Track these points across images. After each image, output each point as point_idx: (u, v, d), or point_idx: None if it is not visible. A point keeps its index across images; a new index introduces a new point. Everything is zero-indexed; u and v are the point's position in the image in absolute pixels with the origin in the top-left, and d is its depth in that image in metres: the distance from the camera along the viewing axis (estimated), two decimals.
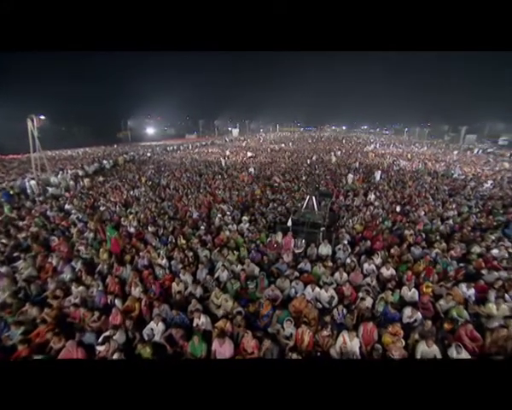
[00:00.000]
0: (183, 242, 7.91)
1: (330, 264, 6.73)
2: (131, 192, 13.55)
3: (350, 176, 16.25)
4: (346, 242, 7.72)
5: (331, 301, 5.59)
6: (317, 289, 5.76)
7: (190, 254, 7.26)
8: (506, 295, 5.52)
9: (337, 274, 6.28)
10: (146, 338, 4.80)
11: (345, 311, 5.20)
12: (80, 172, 18.50)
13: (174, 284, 6.05)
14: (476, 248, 7.51)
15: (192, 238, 8.08)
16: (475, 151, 36.92)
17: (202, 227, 8.80)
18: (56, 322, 5.06)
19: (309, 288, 5.75)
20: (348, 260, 6.91)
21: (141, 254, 7.22)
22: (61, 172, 17.59)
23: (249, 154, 28.40)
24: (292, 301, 5.48)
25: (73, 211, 10.55)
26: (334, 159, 24.54)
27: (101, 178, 17.10)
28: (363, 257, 7.02)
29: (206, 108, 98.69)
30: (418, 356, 4.39)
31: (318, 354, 4.61)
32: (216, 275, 6.42)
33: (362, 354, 4.51)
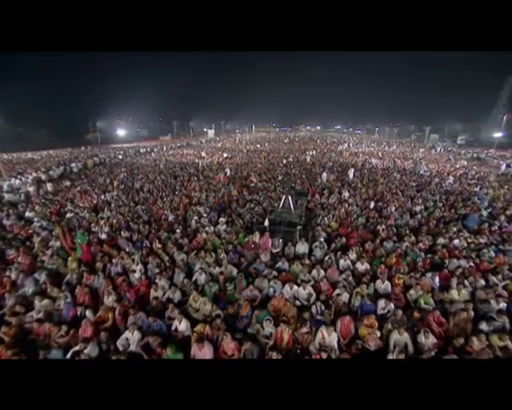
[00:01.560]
0: (159, 246, 7.66)
1: (307, 262, 6.86)
2: (102, 196, 12.87)
3: (324, 175, 16.68)
4: (322, 239, 7.91)
5: (309, 298, 5.69)
6: (295, 287, 5.84)
7: (166, 258, 7.06)
8: (466, 282, 5.98)
9: (314, 271, 6.41)
10: (121, 349, 4.57)
11: (323, 307, 5.31)
12: (43, 177, 17.20)
13: (151, 290, 5.84)
14: (441, 240, 8.04)
15: (168, 242, 7.86)
16: (438, 150, 39.70)
17: (178, 230, 8.59)
18: (16, 341, 4.65)
19: (287, 286, 5.82)
20: (326, 258, 7.07)
21: (114, 260, 6.88)
22: (19, 176, 16.26)
23: (225, 155, 28.18)
24: (271, 301, 5.51)
25: (36, 219, 9.77)
26: (309, 158, 25.10)
27: (67, 183, 16.02)
28: (338, 253, 7.22)
29: (181, 108, 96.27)
30: (391, 345, 4.61)
31: (298, 351, 4.67)
32: (194, 278, 6.29)
33: (340, 348, 4.64)
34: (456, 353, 4.35)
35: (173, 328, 4.97)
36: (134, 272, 6.45)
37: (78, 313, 5.26)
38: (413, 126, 75.18)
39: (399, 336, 4.63)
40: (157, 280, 6.11)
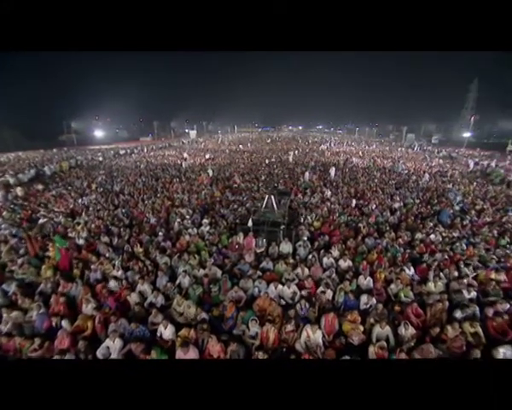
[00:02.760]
0: (141, 250, 7.44)
1: (292, 261, 6.92)
2: (80, 200, 12.32)
3: (307, 174, 16.93)
4: (305, 238, 7.99)
5: (294, 296, 5.74)
6: (280, 286, 5.87)
7: (148, 262, 6.86)
8: (441, 274, 6.28)
9: (299, 270, 6.48)
10: (101, 358, 4.39)
11: (307, 305, 5.38)
12: (11, 180, 16.18)
13: (132, 296, 5.65)
14: (419, 235, 8.41)
15: (150, 245, 7.65)
16: (415, 149, 41.53)
17: (161, 233, 8.39)
18: None
19: (272, 286, 5.83)
20: (309, 256, 7.16)
21: (93, 267, 6.61)
22: None
23: (207, 156, 27.87)
24: (256, 301, 5.50)
25: (3, 226, 9.17)
26: (291, 158, 25.33)
27: (40, 187, 15.15)
28: (322, 251, 7.35)
29: (161, 109, 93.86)
30: (374, 338, 4.75)
31: (284, 349, 4.70)
32: (177, 282, 6.16)
33: (325, 344, 4.71)
34: (433, 341, 4.55)
35: (158, 334, 4.84)
36: (114, 277, 6.22)
37: (53, 323, 4.97)
38: (391, 126, 78.05)
39: (381, 330, 4.78)
40: (139, 285, 5.93)
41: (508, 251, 7.48)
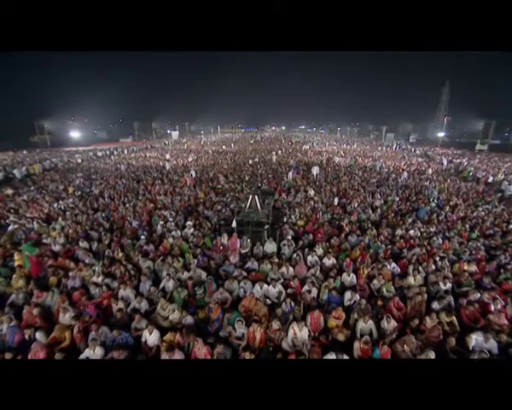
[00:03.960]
0: (122, 254, 7.19)
1: (276, 260, 6.94)
2: (55, 205, 11.72)
3: (290, 174, 17.10)
4: (289, 237, 8.05)
5: (279, 296, 5.76)
6: (265, 286, 5.88)
7: (130, 266, 6.65)
8: (420, 268, 6.55)
9: (283, 269, 6.52)
10: None
11: (292, 303, 5.42)
12: None
13: (113, 302, 5.45)
14: (399, 231, 8.73)
15: (132, 249, 7.42)
16: (394, 148, 43.14)
17: (143, 237, 8.16)
18: None
19: (257, 286, 5.84)
20: (294, 255, 7.22)
21: (71, 274, 6.30)
22: None
23: (190, 158, 27.44)
24: (241, 302, 5.49)
25: None
26: (275, 158, 25.48)
27: (9, 191, 14.21)
28: (306, 250, 7.44)
29: (142, 109, 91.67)
30: (358, 332, 4.88)
31: (271, 349, 4.71)
32: (161, 286, 6.02)
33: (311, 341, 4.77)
34: (413, 332, 4.74)
35: (143, 340, 4.71)
36: (95, 284, 5.97)
37: (27, 336, 4.68)
38: (371, 126, 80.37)
39: (365, 324, 4.91)
40: (121, 290, 5.74)
41: (478, 243, 7.93)
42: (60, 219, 9.85)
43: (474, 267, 6.67)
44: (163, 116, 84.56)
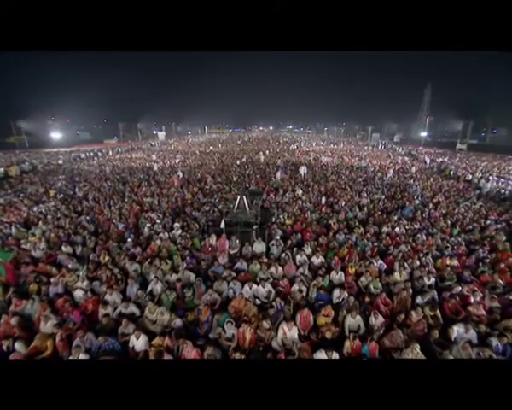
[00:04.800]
0: (108, 258, 7.00)
1: (265, 260, 6.94)
2: (35, 208, 11.24)
3: (278, 174, 17.18)
4: (278, 237, 8.07)
5: (269, 295, 5.78)
6: (255, 286, 5.88)
7: (117, 270, 6.48)
8: (405, 264, 6.74)
9: (273, 269, 6.53)
10: None
11: (282, 303, 5.44)
12: None
13: (102, 307, 5.29)
14: (385, 229, 8.93)
15: (117, 252, 7.23)
16: (379, 147, 44.19)
17: (130, 239, 7.97)
18: None
19: (246, 286, 5.82)
20: (283, 255, 7.25)
21: (53, 280, 6.06)
22: None
23: (177, 160, 27.07)
24: (231, 303, 5.46)
25: None
26: (262, 158, 25.50)
27: None
28: (295, 249, 7.48)
29: (127, 110, 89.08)
30: (347, 328, 4.97)
31: (261, 348, 4.71)
32: (149, 289, 5.89)
33: (301, 339, 4.80)
34: (399, 327, 4.87)
35: (130, 345, 4.59)
36: (80, 289, 5.78)
37: (4, 347, 4.45)
38: (357, 126, 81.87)
39: (353, 320, 5.00)
40: (107, 295, 5.58)
41: (459, 239, 8.24)
42: (40, 223, 9.44)
43: (455, 262, 6.93)
44: (149, 117, 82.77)
